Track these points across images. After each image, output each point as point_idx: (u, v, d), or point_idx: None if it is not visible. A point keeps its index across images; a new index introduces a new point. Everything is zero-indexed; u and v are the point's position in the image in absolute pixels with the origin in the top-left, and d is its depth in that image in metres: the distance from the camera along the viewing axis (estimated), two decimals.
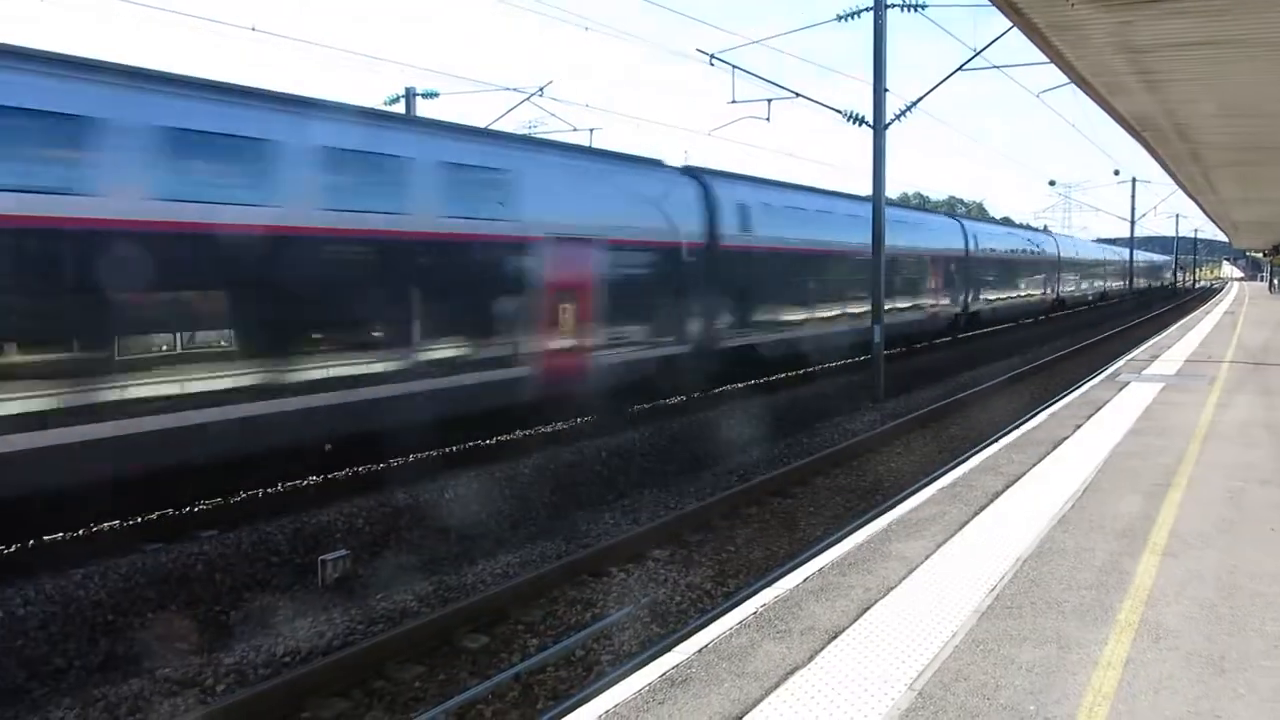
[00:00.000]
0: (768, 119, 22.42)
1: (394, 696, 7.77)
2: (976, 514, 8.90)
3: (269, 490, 12.40)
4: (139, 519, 11.04)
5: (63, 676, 8.22)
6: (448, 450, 14.59)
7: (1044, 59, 11.59)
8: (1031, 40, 10.60)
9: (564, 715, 5.24)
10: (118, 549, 10.02)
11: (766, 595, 6.81)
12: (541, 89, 26.67)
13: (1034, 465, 11.01)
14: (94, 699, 7.58)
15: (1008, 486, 9.99)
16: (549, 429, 16.41)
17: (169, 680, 7.89)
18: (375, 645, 8.17)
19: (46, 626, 8.54)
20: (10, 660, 8.16)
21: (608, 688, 5.55)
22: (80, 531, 10.58)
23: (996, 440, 13.30)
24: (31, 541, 10.20)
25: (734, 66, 21.18)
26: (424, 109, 28.09)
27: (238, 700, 7.22)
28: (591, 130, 35.79)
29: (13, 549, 9.99)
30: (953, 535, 8.20)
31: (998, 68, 22.72)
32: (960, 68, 21.58)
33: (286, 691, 7.43)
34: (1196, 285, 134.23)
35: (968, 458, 12.10)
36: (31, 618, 8.53)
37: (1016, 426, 14.60)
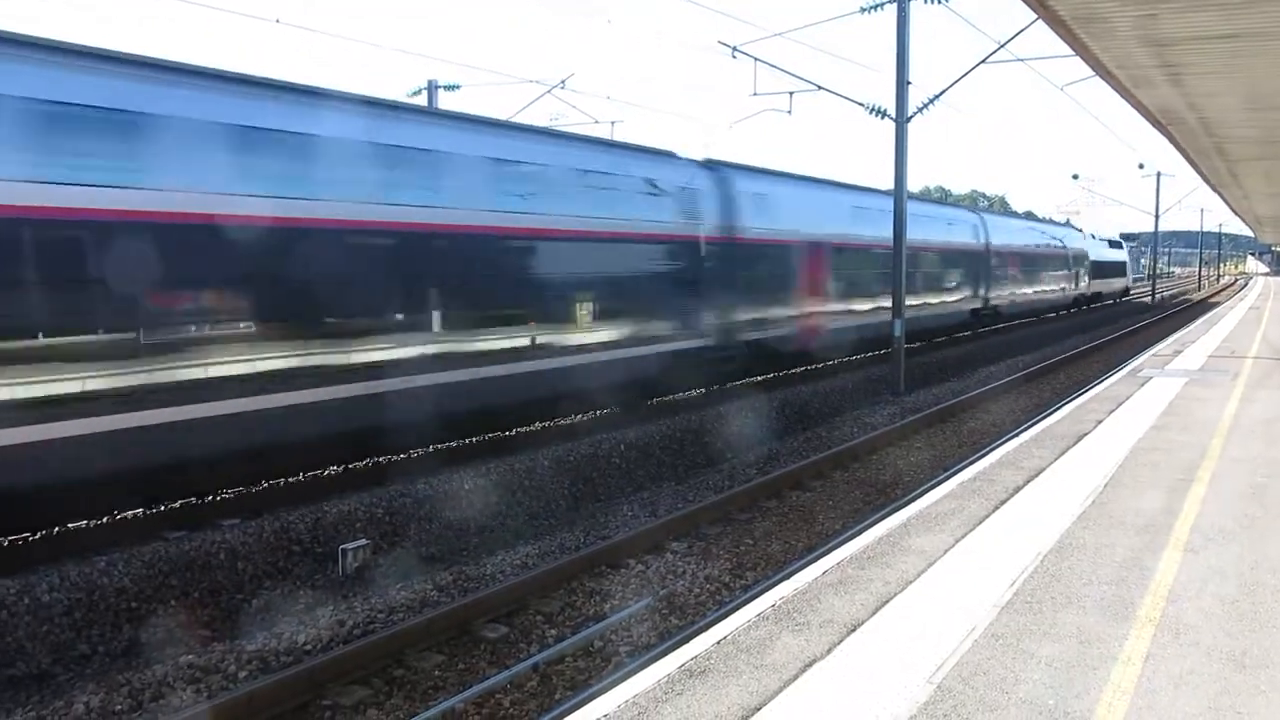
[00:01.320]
0: (789, 111, 22.35)
1: (414, 685, 7.84)
2: (996, 509, 8.88)
3: (290, 480, 12.50)
4: (162, 507, 11.14)
5: (87, 662, 8.33)
6: (468, 442, 14.64)
7: (1069, 52, 11.52)
8: (1056, 33, 10.54)
9: (582, 705, 5.27)
10: (141, 537, 10.12)
11: (785, 588, 6.82)
12: (563, 82, 26.63)
13: (1055, 460, 10.97)
14: (118, 684, 7.66)
15: (1028, 481, 9.96)
16: (565, 421, 16.47)
17: (192, 667, 7.97)
18: (395, 634, 8.23)
19: (71, 613, 8.64)
20: (36, 646, 8.27)
21: (626, 678, 5.58)
22: (104, 519, 10.68)
23: (1017, 435, 13.26)
24: (56, 529, 10.31)
25: (756, 59, 21.10)
26: (445, 101, 28.13)
27: (260, 687, 7.29)
28: (613, 123, 35.77)
29: (36, 536, 10.11)
30: (972, 530, 8.19)
31: (1021, 60, 22.60)
32: (984, 60, 21.45)
33: (308, 679, 7.51)
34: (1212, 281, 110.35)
35: (988, 452, 12.08)
36: (57, 604, 8.63)
37: (1038, 421, 14.56)
